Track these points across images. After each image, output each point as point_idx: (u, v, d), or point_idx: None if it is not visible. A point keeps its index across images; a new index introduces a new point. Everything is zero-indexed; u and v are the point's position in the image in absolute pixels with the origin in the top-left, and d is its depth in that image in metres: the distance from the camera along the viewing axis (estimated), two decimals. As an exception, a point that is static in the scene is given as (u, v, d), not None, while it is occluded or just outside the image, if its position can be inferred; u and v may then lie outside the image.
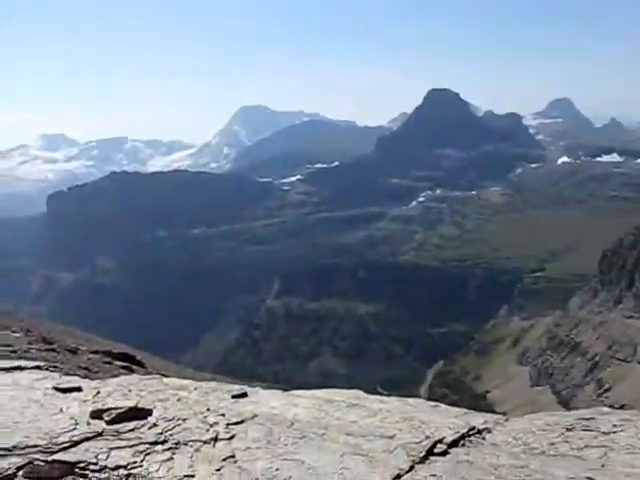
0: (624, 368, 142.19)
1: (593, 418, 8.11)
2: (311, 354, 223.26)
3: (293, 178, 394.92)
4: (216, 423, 7.32)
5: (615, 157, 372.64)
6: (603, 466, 6.53)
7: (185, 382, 9.75)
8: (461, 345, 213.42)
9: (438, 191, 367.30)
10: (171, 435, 6.96)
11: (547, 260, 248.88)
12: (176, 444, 6.82)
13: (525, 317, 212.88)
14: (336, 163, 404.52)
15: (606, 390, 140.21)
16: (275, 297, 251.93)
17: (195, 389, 9.18)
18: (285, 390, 9.90)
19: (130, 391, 8.71)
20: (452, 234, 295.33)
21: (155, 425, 7.21)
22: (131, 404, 7.70)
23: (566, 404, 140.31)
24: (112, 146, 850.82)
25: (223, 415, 7.62)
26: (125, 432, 7.08)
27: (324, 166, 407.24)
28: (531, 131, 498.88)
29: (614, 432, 7.59)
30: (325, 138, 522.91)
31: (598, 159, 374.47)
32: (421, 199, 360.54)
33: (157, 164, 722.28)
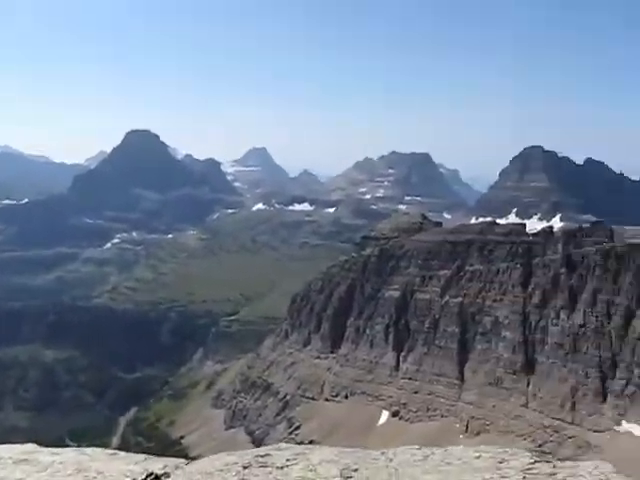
0: (313, 406, 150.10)
1: (269, 454, 8.34)
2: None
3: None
4: None
5: (306, 206, 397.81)
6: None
7: None
8: (155, 390, 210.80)
9: (134, 233, 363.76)
10: None
11: (241, 303, 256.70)
12: None
13: (219, 360, 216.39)
14: (26, 200, 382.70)
15: (296, 428, 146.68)
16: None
17: None
18: None
19: None
20: (147, 277, 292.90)
21: None
22: None
23: (260, 444, 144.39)
24: None
25: None
26: None
27: (12, 202, 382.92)
28: (229, 177, 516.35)
29: (287, 466, 7.87)
30: (15, 173, 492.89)
31: (291, 207, 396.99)
32: (116, 241, 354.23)
33: None
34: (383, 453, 8.54)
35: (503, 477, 7.33)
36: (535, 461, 8.20)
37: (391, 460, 8.16)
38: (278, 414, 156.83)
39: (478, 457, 8.21)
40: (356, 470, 7.73)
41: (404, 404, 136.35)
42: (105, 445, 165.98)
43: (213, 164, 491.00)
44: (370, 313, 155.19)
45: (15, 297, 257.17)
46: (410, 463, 8.02)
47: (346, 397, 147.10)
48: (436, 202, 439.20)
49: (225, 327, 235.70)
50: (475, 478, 7.35)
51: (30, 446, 9.06)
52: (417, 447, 8.71)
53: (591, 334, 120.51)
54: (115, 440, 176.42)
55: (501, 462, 7.95)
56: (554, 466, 8.11)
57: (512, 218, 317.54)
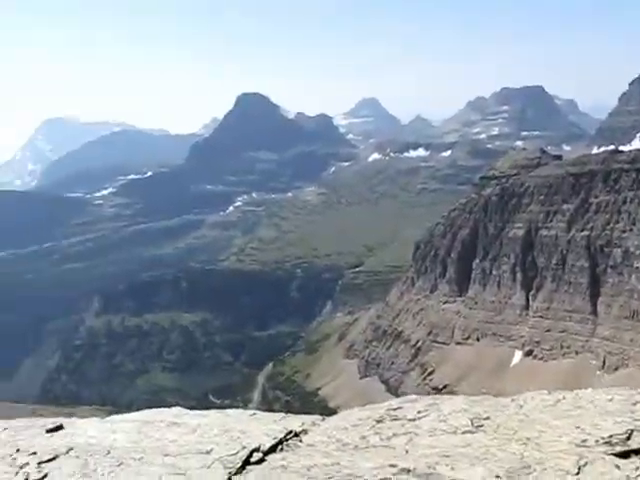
0: (444, 351, 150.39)
1: (401, 407, 8.60)
2: (138, 371, 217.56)
3: (105, 191, 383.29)
4: (27, 464, 7.01)
5: (422, 152, 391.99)
6: (407, 452, 6.98)
7: (-7, 422, 9.27)
8: (289, 346, 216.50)
9: (254, 195, 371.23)
10: (-28, 487, 6.61)
11: (365, 255, 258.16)
12: (-21, 495, 6.49)
13: (348, 312, 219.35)
14: (149, 173, 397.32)
15: (430, 373, 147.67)
16: (95, 315, 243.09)
17: (5, 429, 8.76)
18: (114, 412, 9.68)
19: None
20: (271, 236, 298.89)
21: (-48, 479, 6.79)
22: None
23: (395, 391, 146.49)
24: None
25: (35, 453, 7.33)
26: None
27: (137, 177, 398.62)
28: (341, 130, 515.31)
29: (419, 418, 8.11)
30: (136, 148, 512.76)
31: (406, 154, 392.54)
32: (238, 204, 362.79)
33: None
34: (513, 400, 8.62)
35: (637, 420, 7.28)
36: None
37: (521, 407, 8.25)
38: (411, 361, 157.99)
39: (610, 400, 8.17)
40: (487, 419, 7.86)
41: (537, 342, 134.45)
42: (247, 400, 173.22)
43: (325, 119, 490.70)
44: (495, 253, 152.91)
45: (148, 268, 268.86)
46: (540, 409, 8.08)
47: (477, 339, 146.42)
48: (554, 135, 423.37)
49: (352, 279, 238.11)
50: (607, 422, 7.35)
51: (178, 409, 9.67)
52: (547, 392, 8.75)
53: None
54: (256, 395, 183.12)
55: (635, 404, 7.89)
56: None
57: (636, 144, 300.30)
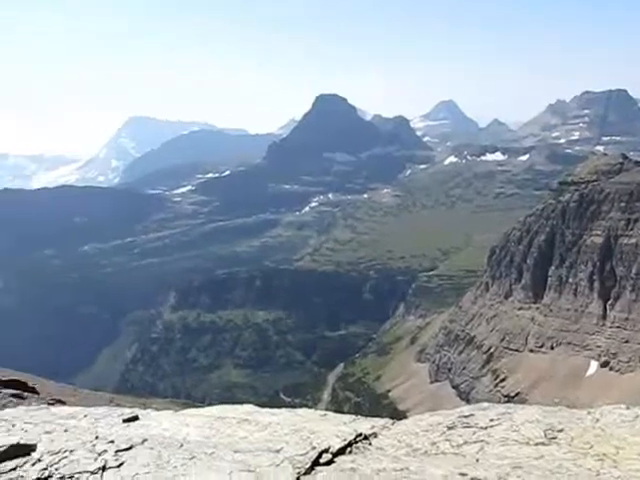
0: (517, 358, 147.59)
1: (473, 414, 8.48)
2: (211, 366, 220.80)
3: (184, 189, 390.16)
4: (105, 451, 7.23)
5: (499, 156, 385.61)
6: (478, 460, 6.90)
7: (74, 410, 9.57)
8: (360, 347, 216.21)
9: (330, 195, 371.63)
10: (56, 469, 6.81)
11: (439, 258, 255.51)
12: (61, 478, 6.72)
13: (421, 315, 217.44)
14: (227, 172, 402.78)
15: (502, 380, 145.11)
16: (171, 310, 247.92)
17: (85, 416, 9.03)
18: (187, 405, 9.84)
19: (14, 426, 8.33)
20: (346, 237, 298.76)
21: (39, 460, 7.02)
22: (14, 440, 7.39)
23: (466, 397, 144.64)
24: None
25: (112, 442, 7.54)
26: (6, 472, 6.86)
27: (215, 175, 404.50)
28: (418, 133, 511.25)
29: (491, 426, 7.99)
30: (215, 147, 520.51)
31: (483, 158, 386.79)
32: (314, 204, 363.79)
33: (42, 180, 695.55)
34: (589, 413, 8.42)
35: None
36: None
37: (597, 420, 8.03)
38: (482, 367, 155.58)
39: (691, 416, 7.88)
40: (561, 431, 7.70)
41: (614, 354, 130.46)
42: (317, 400, 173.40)
43: (402, 121, 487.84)
44: (572, 261, 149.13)
45: (224, 265, 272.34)
46: (618, 424, 7.86)
47: (551, 348, 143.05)
48: (637, 140, 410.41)
49: (425, 282, 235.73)
50: (687, 439, 7.09)
51: (249, 407, 9.76)
52: (625, 407, 8.50)
53: None
54: (325, 395, 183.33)
55: None
56: None
57: None
